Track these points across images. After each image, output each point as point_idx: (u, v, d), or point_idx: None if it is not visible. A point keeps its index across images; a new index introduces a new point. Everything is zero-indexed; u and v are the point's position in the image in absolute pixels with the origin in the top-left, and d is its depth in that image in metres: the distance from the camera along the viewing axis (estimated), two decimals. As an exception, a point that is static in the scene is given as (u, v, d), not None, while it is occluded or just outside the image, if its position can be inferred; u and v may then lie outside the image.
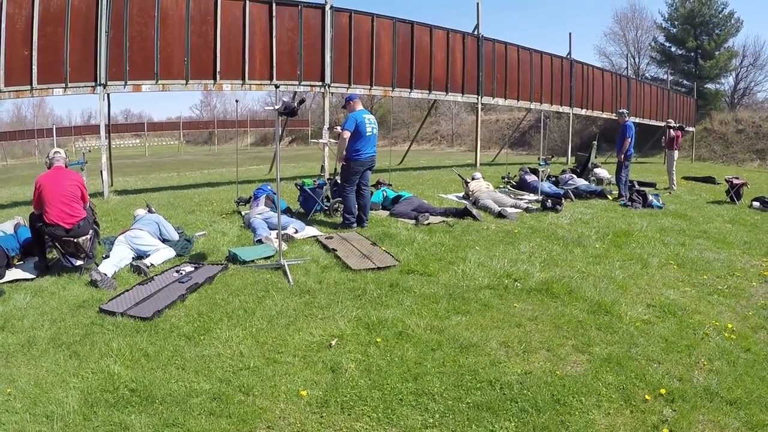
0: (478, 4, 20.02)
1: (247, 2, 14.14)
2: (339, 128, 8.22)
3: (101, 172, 12.55)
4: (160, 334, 4.41)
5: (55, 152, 6.54)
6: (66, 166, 6.54)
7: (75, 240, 6.07)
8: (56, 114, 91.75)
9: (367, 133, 8.06)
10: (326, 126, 14.25)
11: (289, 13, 14.93)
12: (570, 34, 24.89)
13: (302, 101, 6.35)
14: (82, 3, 12.18)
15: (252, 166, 23.67)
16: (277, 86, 8.85)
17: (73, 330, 4.55)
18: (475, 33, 20.12)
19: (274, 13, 14.53)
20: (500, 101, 21.63)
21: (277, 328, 4.52)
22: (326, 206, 9.04)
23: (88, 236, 6.21)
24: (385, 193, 9.90)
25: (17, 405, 3.42)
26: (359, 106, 8.26)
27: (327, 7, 15.32)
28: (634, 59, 49.63)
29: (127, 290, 5.41)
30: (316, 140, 11.16)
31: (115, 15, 12.50)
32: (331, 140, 8.73)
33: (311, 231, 7.88)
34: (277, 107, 5.97)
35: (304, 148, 51.49)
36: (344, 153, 8.06)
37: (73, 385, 3.65)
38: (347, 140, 7.98)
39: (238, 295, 5.25)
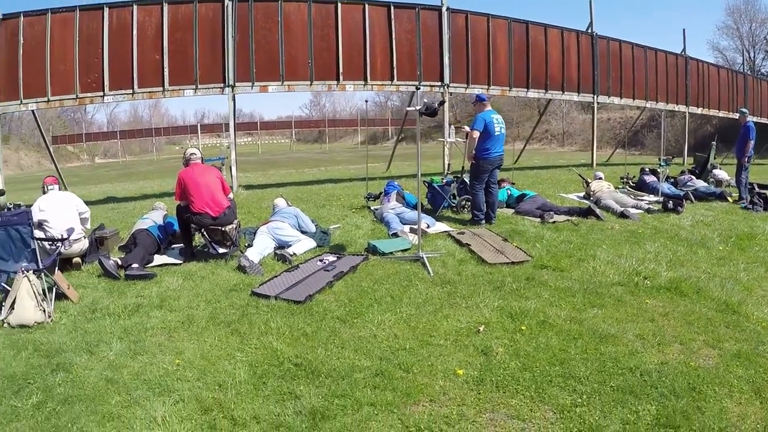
0: (591, 2, 19.54)
1: (367, 6, 14.53)
2: (467, 128, 8.38)
3: (230, 167, 13.28)
4: (315, 316, 4.69)
5: (192, 153, 7.06)
6: (202, 162, 7.01)
7: (222, 228, 6.49)
8: (171, 114, 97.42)
9: (496, 133, 8.21)
10: (446, 125, 14.35)
11: (407, 16, 15.17)
12: (684, 30, 23.84)
13: (442, 102, 6.54)
14: (208, 10, 13.04)
15: (370, 163, 24.10)
16: (417, 88, 9.09)
17: (229, 310, 4.90)
18: (589, 31, 19.57)
19: (392, 16, 14.82)
20: (616, 100, 20.89)
21: (426, 314, 4.70)
22: (453, 203, 9.19)
23: (234, 225, 6.64)
24: (509, 192, 9.93)
25: (188, 374, 3.73)
26: (488, 107, 8.45)
27: (443, 9, 15.44)
28: (748, 53, 46.58)
29: (276, 276, 5.75)
30: (441, 138, 11.25)
31: (241, 21, 13.29)
32: (459, 139, 8.85)
33: (441, 227, 8.05)
34: (418, 107, 6.18)
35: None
36: (473, 152, 8.21)
37: (239, 358, 3.94)
38: (476, 140, 8.13)
39: (383, 284, 5.49)
